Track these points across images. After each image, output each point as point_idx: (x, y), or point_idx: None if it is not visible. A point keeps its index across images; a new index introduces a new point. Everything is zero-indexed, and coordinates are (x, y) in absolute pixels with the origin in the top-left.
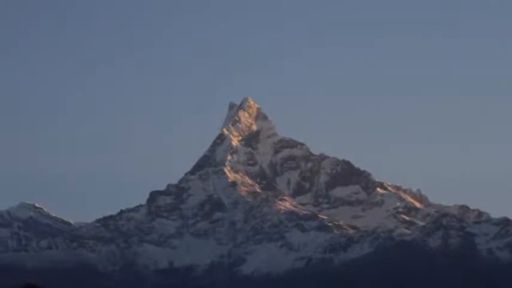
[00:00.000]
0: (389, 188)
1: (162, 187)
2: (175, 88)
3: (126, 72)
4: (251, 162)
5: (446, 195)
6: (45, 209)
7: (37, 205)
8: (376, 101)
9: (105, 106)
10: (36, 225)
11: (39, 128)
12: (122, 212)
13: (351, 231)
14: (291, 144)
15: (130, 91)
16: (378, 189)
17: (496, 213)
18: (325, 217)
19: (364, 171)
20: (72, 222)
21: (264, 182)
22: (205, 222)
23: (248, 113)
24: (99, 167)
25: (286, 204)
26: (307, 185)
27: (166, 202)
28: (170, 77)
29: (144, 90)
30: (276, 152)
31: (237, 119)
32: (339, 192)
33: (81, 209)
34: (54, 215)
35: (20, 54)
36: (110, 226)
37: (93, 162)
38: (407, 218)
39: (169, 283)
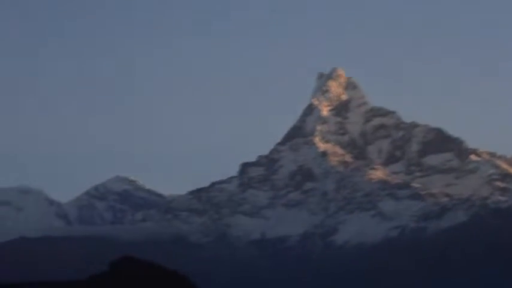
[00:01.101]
0: (483, 155)
1: (253, 158)
2: (264, 60)
3: (222, 43)
4: (341, 131)
5: None
6: (140, 182)
7: (131, 178)
8: (468, 68)
9: (197, 81)
10: (130, 198)
11: (136, 105)
12: (213, 183)
13: (445, 199)
14: (381, 112)
15: (224, 62)
16: (472, 156)
17: None
18: (418, 185)
19: (456, 139)
20: (165, 194)
21: (354, 151)
22: (296, 192)
23: (337, 82)
24: (192, 140)
25: (378, 173)
26: (398, 153)
27: (257, 173)
28: (260, 49)
29: (237, 62)
30: (367, 121)
31: (327, 88)
32: (432, 160)
33: (174, 182)
34: (148, 187)
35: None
36: (203, 198)
37: (186, 135)
38: (502, 184)
39: (261, 254)
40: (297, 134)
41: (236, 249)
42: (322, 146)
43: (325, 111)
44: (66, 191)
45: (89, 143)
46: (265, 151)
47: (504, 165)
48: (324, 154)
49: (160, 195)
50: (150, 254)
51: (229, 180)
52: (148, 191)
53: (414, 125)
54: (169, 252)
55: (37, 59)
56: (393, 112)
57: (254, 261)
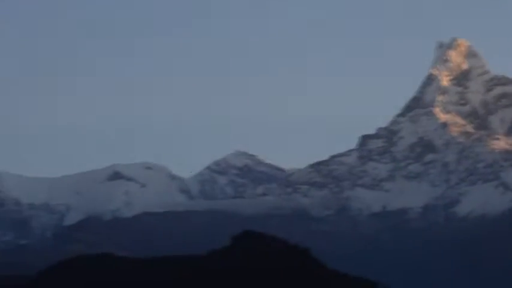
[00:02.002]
0: None
1: (372, 131)
2: (385, 29)
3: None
4: (462, 101)
5: None
6: (260, 157)
7: (251, 153)
8: None
9: (317, 56)
10: (251, 173)
11: (257, 81)
12: (333, 157)
13: None
14: (503, 81)
15: (347, 34)
16: None
17: None
18: None
19: None
20: (285, 168)
21: (476, 121)
22: (417, 164)
23: (457, 51)
24: (310, 113)
25: (501, 143)
26: None
27: (377, 145)
28: (377, 18)
29: (357, 32)
30: (488, 90)
31: (446, 58)
32: None
33: (293, 155)
34: (268, 162)
35: None
36: (322, 171)
37: (305, 108)
38: None
39: (382, 227)
40: (417, 105)
41: (357, 223)
42: (442, 116)
43: (445, 81)
44: (188, 166)
45: (210, 119)
46: (385, 123)
47: None
48: (445, 125)
49: (280, 169)
50: (271, 228)
51: (349, 153)
52: (269, 165)
53: None
54: (290, 225)
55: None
56: None
57: (375, 234)
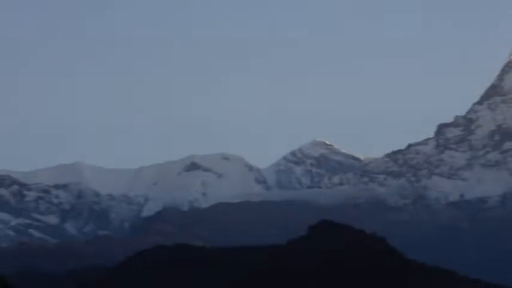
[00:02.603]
0: None
1: (449, 119)
2: (459, 18)
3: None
4: None
5: None
6: (336, 146)
7: (327, 142)
8: None
9: (390, 43)
10: (327, 162)
11: (331, 70)
12: (410, 145)
13: None
14: None
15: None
16: None
17: None
18: None
19: None
20: (361, 157)
21: None
22: (495, 152)
23: None
24: (386, 102)
25: None
26: None
27: (454, 134)
28: (456, 9)
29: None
30: None
31: None
32: None
33: (370, 145)
34: (344, 151)
35: None
36: (399, 160)
37: (380, 98)
38: None
39: (460, 216)
40: (495, 92)
41: (434, 212)
42: None
43: None
44: (264, 156)
45: (286, 109)
46: (462, 111)
47: None
48: None
49: (356, 159)
50: (348, 217)
51: (426, 141)
52: (345, 155)
53: None
54: (367, 215)
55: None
56: None
57: (453, 223)
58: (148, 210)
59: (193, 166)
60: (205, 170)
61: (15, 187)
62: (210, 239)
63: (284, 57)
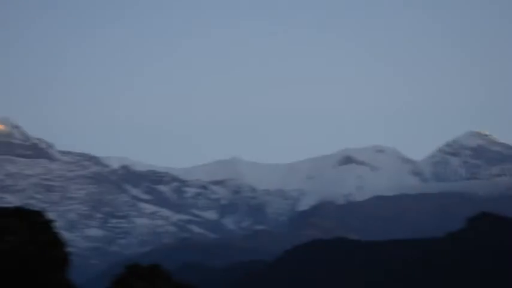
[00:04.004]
0: None
1: None
2: None
3: None
4: None
5: None
6: (494, 136)
7: (485, 132)
8: None
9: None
10: (485, 153)
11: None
12: None
13: None
14: None
15: None
16: None
17: None
18: None
19: None
20: None
21: None
22: None
23: None
24: None
25: None
26: None
27: None
28: None
29: None
30: None
31: None
32: None
33: None
34: (502, 141)
35: None
36: None
37: None
38: None
39: None
40: None
41: None
42: None
43: None
44: (419, 148)
45: (437, 100)
46: None
47: None
48: None
49: None
50: (508, 209)
51: None
52: (503, 145)
53: None
54: None
55: None
56: None
57: None
58: (304, 205)
59: (347, 160)
60: (360, 163)
61: (175, 184)
62: (366, 232)
63: (434, 49)
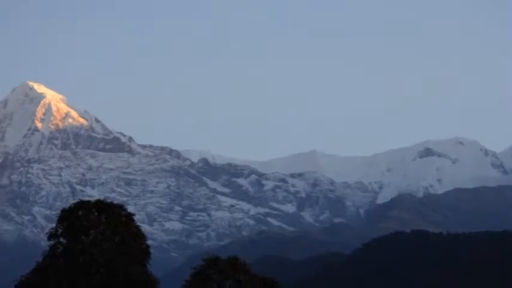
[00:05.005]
0: None
1: None
2: None
3: None
4: None
5: None
6: None
7: None
8: None
9: None
10: None
11: None
12: None
13: None
14: None
15: None
16: None
17: None
18: None
19: None
20: None
21: None
22: None
23: None
24: None
25: None
26: None
27: None
28: None
29: None
30: None
31: None
32: None
33: None
34: None
35: None
36: None
37: None
38: None
39: None
40: None
41: None
42: None
43: None
44: (500, 140)
45: None
46: None
47: None
48: None
49: None
50: None
51: None
52: None
53: None
54: None
55: None
56: None
57: None
58: (383, 197)
59: (427, 152)
60: (440, 155)
61: (254, 177)
62: (447, 225)
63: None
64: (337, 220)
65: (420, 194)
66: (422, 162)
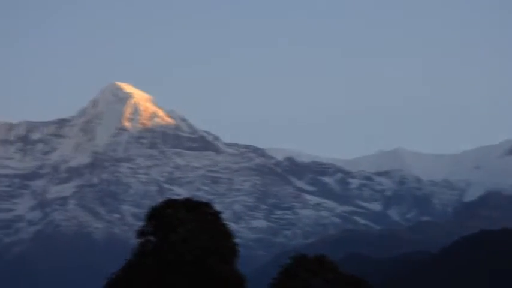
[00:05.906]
0: None
1: None
2: None
3: None
4: None
5: None
6: None
7: None
8: None
9: None
10: None
11: None
12: None
13: None
14: None
15: None
16: None
17: None
18: None
19: None
20: None
21: None
22: None
23: None
24: None
25: None
26: None
27: None
28: None
29: None
30: None
31: None
32: None
33: None
34: None
35: None
36: None
37: None
38: None
39: None
40: None
41: None
42: None
43: None
44: None
45: None
46: None
47: None
48: None
49: None
50: None
51: None
52: None
53: None
54: None
55: None
56: None
57: None
58: (470, 195)
59: None
60: None
61: (339, 175)
62: None
63: None
64: (423, 218)
65: (508, 192)
66: (509, 160)
